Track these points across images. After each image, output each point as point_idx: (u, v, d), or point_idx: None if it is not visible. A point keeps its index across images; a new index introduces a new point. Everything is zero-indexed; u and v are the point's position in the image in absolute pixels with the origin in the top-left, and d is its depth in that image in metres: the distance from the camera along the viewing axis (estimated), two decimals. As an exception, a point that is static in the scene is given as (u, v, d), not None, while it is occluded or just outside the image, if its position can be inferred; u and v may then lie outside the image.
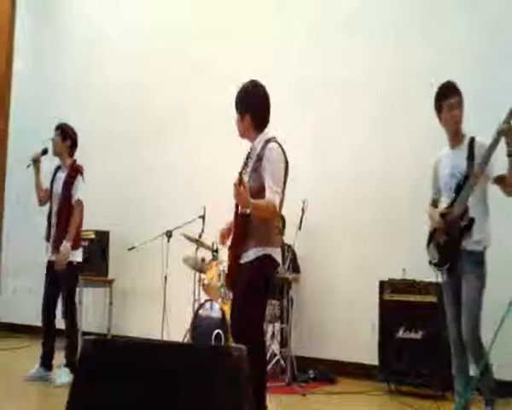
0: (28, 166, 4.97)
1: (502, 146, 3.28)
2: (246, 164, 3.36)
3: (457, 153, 3.48)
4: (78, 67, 7.66)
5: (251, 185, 3.16)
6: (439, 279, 3.58)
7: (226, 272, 3.55)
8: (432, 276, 4.59)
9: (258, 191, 3.14)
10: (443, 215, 3.48)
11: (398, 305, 4.75)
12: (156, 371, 2.25)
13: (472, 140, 3.44)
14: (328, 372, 5.24)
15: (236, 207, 3.35)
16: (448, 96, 3.46)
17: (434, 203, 3.67)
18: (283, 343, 5.32)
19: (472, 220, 3.32)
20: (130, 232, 6.54)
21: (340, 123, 5.65)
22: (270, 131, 3.37)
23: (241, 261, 3.25)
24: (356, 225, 5.48)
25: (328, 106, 5.72)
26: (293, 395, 4.66)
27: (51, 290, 4.80)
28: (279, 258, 3.32)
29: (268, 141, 3.27)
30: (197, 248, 5.44)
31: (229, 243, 3.43)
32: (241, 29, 6.41)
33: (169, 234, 5.57)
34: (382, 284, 4.86)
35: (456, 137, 3.52)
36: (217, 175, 6.17)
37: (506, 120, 3.16)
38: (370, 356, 4.93)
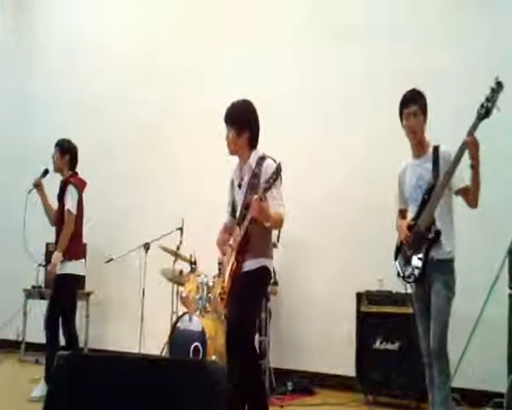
0: (30, 192, 4.96)
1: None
2: (241, 179, 3.50)
3: (421, 163, 3.42)
4: (52, 75, 7.61)
5: (247, 201, 3.36)
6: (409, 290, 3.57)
7: (222, 289, 3.59)
8: (408, 287, 4.69)
9: None
10: (410, 227, 3.44)
11: (375, 316, 4.79)
12: (132, 385, 2.23)
13: (436, 149, 3.38)
14: (306, 384, 5.25)
15: (240, 222, 3.48)
16: (406, 105, 3.41)
17: (402, 214, 3.64)
18: (262, 355, 5.31)
19: (439, 232, 3.31)
20: (107, 244, 6.49)
21: (317, 137, 5.68)
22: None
23: (242, 271, 3.41)
24: (333, 237, 5.52)
25: (306, 120, 5.76)
26: (271, 407, 4.61)
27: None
28: (272, 270, 3.53)
29: (262, 158, 3.44)
30: (175, 261, 5.42)
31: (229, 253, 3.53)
32: (231, 39, 6.43)
33: (147, 246, 5.54)
34: (359, 296, 4.90)
35: (418, 146, 3.45)
36: (195, 187, 6.19)
37: (469, 133, 3.11)
38: (348, 367, 4.95)
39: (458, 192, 3.33)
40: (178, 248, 5.43)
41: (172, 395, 2.22)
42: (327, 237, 5.55)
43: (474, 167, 3.14)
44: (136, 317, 5.59)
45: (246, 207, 3.38)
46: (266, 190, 3.14)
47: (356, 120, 5.52)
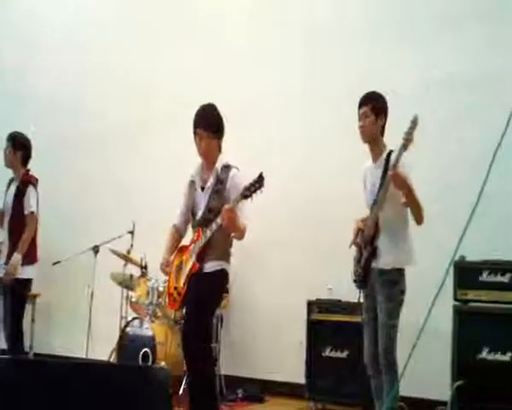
0: None
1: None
2: (204, 182, 3.54)
3: (376, 168, 3.41)
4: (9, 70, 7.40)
5: (211, 205, 3.44)
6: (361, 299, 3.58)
7: (175, 290, 3.61)
8: (356, 295, 4.74)
9: (219, 212, 3.37)
10: (363, 230, 3.44)
11: (325, 324, 4.80)
12: (77, 390, 2.17)
13: (389, 155, 3.35)
14: (256, 391, 5.23)
15: (199, 224, 3.52)
16: (359, 107, 3.42)
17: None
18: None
19: (375, 248, 3.32)
20: (55, 246, 6.30)
21: (272, 143, 5.67)
22: None
23: (200, 272, 3.46)
24: (283, 244, 5.51)
25: (264, 124, 5.75)
26: (221, 415, 4.61)
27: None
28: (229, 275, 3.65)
29: (228, 167, 3.52)
30: (125, 264, 5.32)
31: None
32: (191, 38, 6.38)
33: (96, 249, 5.41)
34: (310, 304, 4.92)
35: (374, 149, 3.42)
36: (147, 190, 6.11)
37: (407, 135, 3.08)
38: (298, 375, 4.96)
39: (404, 205, 3.29)
40: (129, 251, 5.33)
41: (120, 401, 2.18)
42: (278, 246, 5.53)
43: (406, 198, 3.16)
44: (85, 321, 5.45)
45: (209, 211, 3.43)
46: (246, 197, 3.18)
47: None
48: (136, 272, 5.36)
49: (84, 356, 5.44)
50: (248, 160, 5.51)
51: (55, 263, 5.63)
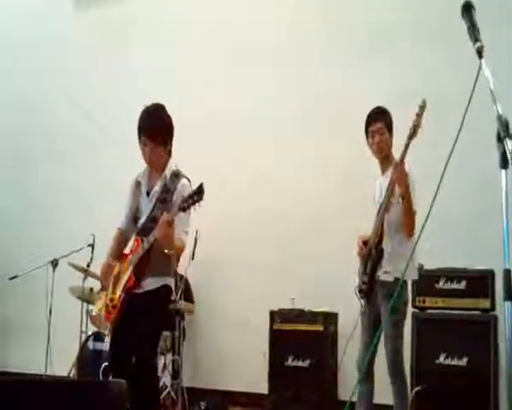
0: None
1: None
2: (150, 187, 3.30)
3: (384, 179, 3.44)
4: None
5: (155, 215, 3.18)
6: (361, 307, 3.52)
7: (111, 301, 3.32)
8: (319, 305, 4.80)
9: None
10: (366, 242, 3.44)
11: (288, 334, 4.82)
12: (35, 407, 2.12)
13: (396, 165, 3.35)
14: (219, 403, 5.20)
15: (140, 232, 3.29)
16: (371, 124, 3.43)
17: None
18: (175, 375, 5.22)
19: (382, 251, 3.32)
20: (11, 260, 6.18)
21: (234, 155, 5.70)
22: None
23: (140, 290, 3.21)
24: (248, 254, 5.52)
25: (220, 138, 5.76)
26: (183, 429, 4.57)
27: None
28: (173, 288, 3.42)
29: (177, 175, 3.28)
30: (85, 278, 5.21)
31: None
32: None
33: (55, 263, 5.30)
34: (272, 314, 4.93)
35: (386, 162, 3.44)
36: (107, 202, 6.01)
37: (400, 160, 3.15)
38: (261, 385, 4.96)
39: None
40: (89, 265, 5.24)
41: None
42: (241, 256, 5.54)
43: (404, 199, 3.20)
44: (43, 337, 5.32)
45: (152, 220, 3.20)
46: (184, 209, 2.95)
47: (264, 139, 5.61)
48: (96, 285, 5.26)
49: (42, 373, 5.31)
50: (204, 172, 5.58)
51: (11, 278, 5.49)
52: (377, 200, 3.48)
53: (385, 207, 3.32)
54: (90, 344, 5.02)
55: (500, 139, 1.68)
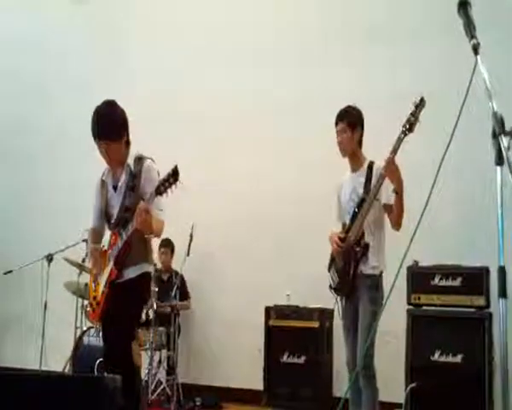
0: None
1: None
2: (116, 181, 3.28)
3: (356, 177, 3.47)
4: None
5: (127, 203, 3.17)
6: (339, 306, 3.52)
7: (94, 299, 3.34)
8: (314, 302, 4.80)
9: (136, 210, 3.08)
10: (342, 239, 3.45)
11: (283, 330, 4.83)
12: (29, 403, 2.12)
13: (371, 164, 3.43)
14: (214, 399, 5.20)
15: (115, 226, 3.27)
16: (335, 124, 3.50)
17: (343, 227, 3.56)
18: (170, 371, 5.22)
19: (367, 246, 3.33)
20: (6, 255, 6.15)
21: (233, 147, 5.68)
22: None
23: (122, 280, 3.22)
24: (243, 251, 5.52)
25: (221, 130, 5.74)
26: (178, 424, 4.57)
27: None
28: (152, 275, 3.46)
29: (140, 158, 3.25)
30: (80, 273, 5.21)
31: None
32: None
33: (50, 258, 5.29)
34: (268, 310, 4.93)
35: (354, 160, 3.49)
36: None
37: (412, 116, 3.09)
38: (257, 381, 4.96)
39: (384, 208, 3.34)
40: (83, 260, 5.23)
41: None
42: (237, 253, 5.55)
43: (397, 193, 3.18)
44: (37, 332, 5.32)
45: (125, 210, 3.18)
46: (161, 193, 2.92)
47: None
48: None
49: (37, 368, 5.30)
50: (200, 161, 5.58)
51: (6, 272, 5.48)
52: (347, 198, 3.49)
53: (366, 211, 3.32)
54: (85, 340, 5.01)
55: (495, 136, 1.68)
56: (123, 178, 3.24)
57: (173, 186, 2.91)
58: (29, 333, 5.82)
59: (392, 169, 3.15)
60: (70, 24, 6.68)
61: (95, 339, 4.94)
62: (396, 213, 3.27)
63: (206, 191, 5.66)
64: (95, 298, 3.32)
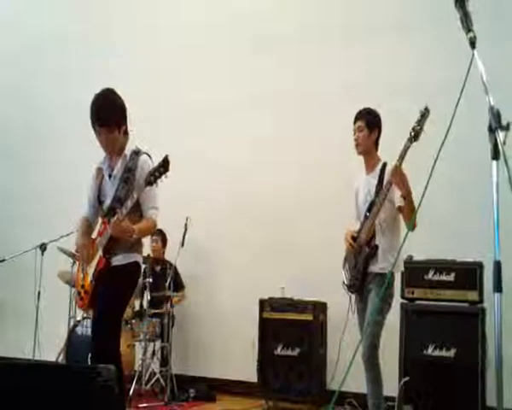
0: None
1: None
2: (112, 170, 3.25)
3: (370, 179, 3.51)
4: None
5: (120, 194, 3.16)
6: (352, 303, 3.53)
7: (82, 288, 3.28)
8: (309, 295, 4.80)
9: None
10: (354, 238, 3.49)
11: (277, 323, 4.83)
12: (23, 392, 2.11)
13: (384, 166, 3.47)
14: (208, 391, 5.20)
15: (106, 214, 3.23)
16: (354, 122, 3.55)
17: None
18: (163, 362, 5.22)
19: (376, 247, 3.36)
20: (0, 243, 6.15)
21: (225, 141, 5.67)
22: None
23: (111, 265, 3.18)
24: (237, 244, 5.52)
25: (214, 126, 5.73)
26: (171, 416, 4.57)
27: None
28: (142, 266, 3.41)
29: (137, 152, 3.23)
30: (73, 263, 5.18)
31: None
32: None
33: (43, 247, 5.27)
34: (262, 302, 4.93)
35: (368, 160, 3.54)
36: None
37: (417, 125, 3.15)
38: (251, 374, 4.97)
39: (399, 209, 3.35)
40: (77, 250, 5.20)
41: (68, 402, 2.13)
42: (232, 245, 5.54)
43: (405, 199, 3.21)
44: (31, 322, 5.29)
45: (117, 200, 3.17)
46: (151, 183, 2.92)
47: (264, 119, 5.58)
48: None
49: (30, 357, 5.29)
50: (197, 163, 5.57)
51: (-1, 261, 5.46)
52: (362, 199, 3.53)
53: (376, 212, 3.35)
54: (79, 329, 5.00)
55: (492, 130, 1.67)
56: (118, 167, 3.23)
57: (163, 176, 2.91)
58: (22, 323, 5.81)
59: (398, 176, 3.19)
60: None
61: (88, 329, 4.92)
62: (405, 215, 3.29)
63: (202, 184, 5.65)
64: (83, 286, 3.28)
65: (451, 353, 3.96)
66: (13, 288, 6.26)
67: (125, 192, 3.15)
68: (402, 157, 3.17)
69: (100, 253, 3.20)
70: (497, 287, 1.64)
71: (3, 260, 5.41)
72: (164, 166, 2.90)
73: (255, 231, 5.44)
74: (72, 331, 5.04)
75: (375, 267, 3.38)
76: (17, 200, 6.53)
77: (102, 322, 3.13)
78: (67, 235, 5.22)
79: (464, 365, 3.89)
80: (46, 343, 5.33)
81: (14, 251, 5.45)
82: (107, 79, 6.06)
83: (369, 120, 3.52)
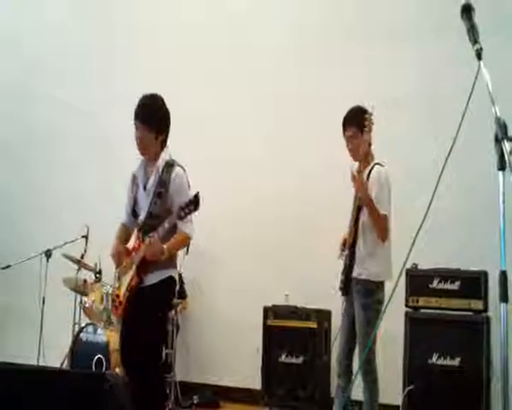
0: None
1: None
2: (146, 180, 3.27)
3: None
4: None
5: (153, 210, 3.19)
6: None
7: (117, 297, 3.32)
8: (313, 302, 4.80)
9: (164, 216, 3.10)
10: (344, 242, 3.49)
11: (281, 330, 4.83)
12: (28, 397, 2.12)
13: (372, 168, 3.39)
14: (212, 398, 5.20)
15: (140, 230, 3.27)
16: (344, 130, 3.45)
17: None
18: (168, 369, 5.21)
19: (353, 253, 3.34)
20: (4, 250, 6.14)
21: (229, 144, 5.64)
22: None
23: (144, 284, 3.20)
24: (241, 251, 5.51)
25: (215, 127, 5.73)
26: (175, 423, 4.57)
27: None
28: (177, 279, 3.39)
29: (171, 165, 3.24)
30: (79, 269, 5.21)
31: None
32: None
33: (48, 253, 5.28)
34: (266, 310, 4.93)
35: (363, 163, 3.40)
36: (101, 194, 6.01)
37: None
38: (254, 381, 4.97)
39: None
40: (83, 256, 5.22)
41: (67, 407, 2.14)
42: (235, 252, 5.54)
43: (366, 205, 3.23)
44: (36, 327, 5.30)
45: (151, 216, 3.20)
46: (181, 218, 2.98)
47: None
48: (90, 277, 5.27)
49: (34, 363, 5.29)
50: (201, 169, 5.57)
51: (4, 267, 5.45)
52: (353, 201, 3.47)
53: (355, 209, 3.34)
54: (83, 336, 4.99)
55: (498, 141, 1.68)
56: (152, 179, 3.24)
57: (193, 213, 2.97)
58: (27, 329, 5.81)
59: (357, 186, 3.23)
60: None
61: (93, 336, 4.94)
62: (373, 225, 3.28)
63: (208, 191, 5.63)
64: (118, 296, 3.30)
65: (456, 361, 3.96)
66: (18, 294, 6.25)
67: (159, 208, 3.17)
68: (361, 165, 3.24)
69: (134, 270, 3.21)
70: (504, 297, 1.64)
71: (9, 266, 5.42)
72: (194, 203, 2.94)
73: (260, 238, 5.44)
74: (76, 338, 5.04)
75: (354, 273, 3.36)
76: (22, 207, 6.53)
77: (147, 346, 3.11)
78: (72, 241, 5.26)
79: (469, 373, 3.89)
80: (50, 349, 5.32)
81: (19, 258, 5.46)
82: (107, 79, 6.31)
83: (359, 123, 3.35)
